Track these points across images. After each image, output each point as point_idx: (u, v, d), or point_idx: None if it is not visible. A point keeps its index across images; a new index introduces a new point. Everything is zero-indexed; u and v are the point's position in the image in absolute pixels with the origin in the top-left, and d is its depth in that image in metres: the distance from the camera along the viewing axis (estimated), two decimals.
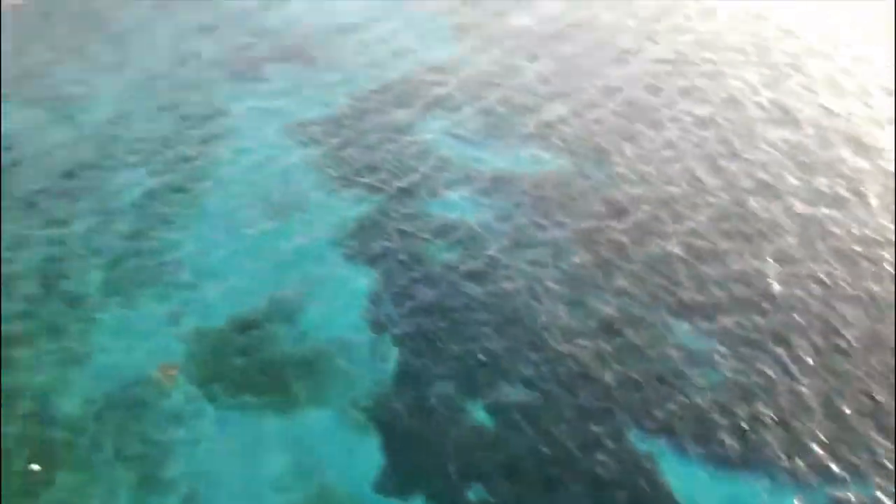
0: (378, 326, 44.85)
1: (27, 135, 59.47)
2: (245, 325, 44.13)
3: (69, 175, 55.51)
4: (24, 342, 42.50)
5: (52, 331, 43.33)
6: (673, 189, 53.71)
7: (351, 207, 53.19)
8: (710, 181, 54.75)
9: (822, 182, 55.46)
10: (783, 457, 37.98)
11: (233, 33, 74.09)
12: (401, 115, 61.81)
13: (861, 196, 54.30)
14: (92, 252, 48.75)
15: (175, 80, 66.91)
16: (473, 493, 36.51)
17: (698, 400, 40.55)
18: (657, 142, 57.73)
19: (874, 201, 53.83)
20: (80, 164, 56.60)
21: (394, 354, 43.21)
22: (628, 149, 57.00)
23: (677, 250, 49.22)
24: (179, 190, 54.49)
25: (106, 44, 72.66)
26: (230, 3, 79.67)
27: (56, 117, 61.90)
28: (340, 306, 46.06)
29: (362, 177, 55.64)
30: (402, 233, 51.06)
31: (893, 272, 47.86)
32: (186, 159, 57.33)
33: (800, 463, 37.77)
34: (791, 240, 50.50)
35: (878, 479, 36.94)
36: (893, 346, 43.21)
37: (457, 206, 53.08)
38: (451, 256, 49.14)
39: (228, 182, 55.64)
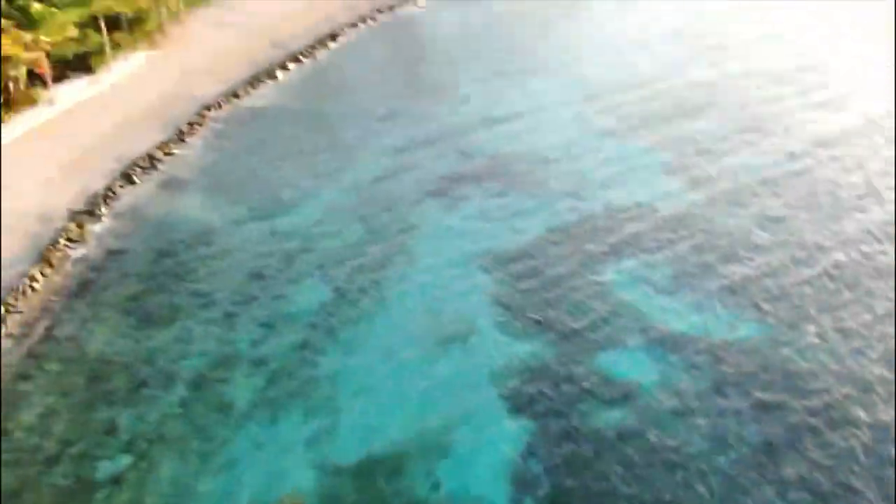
0: (520, 483, 41.98)
1: (226, 232, 62.41)
2: (380, 462, 42.62)
3: (254, 276, 57.34)
4: (167, 443, 43.32)
5: (197, 435, 43.93)
6: (875, 372, 47.33)
7: (517, 343, 51.09)
8: None
9: None
10: None
11: (444, 150, 75.01)
12: (589, 251, 59.29)
13: None
14: (254, 359, 49.57)
15: (379, 193, 68.27)
16: None
17: None
18: (864, 317, 51.40)
19: None
20: (266, 266, 58.41)
21: None
22: (829, 321, 51.16)
23: (870, 445, 42.95)
24: (352, 304, 54.71)
25: (326, 151, 75.72)
26: (448, 119, 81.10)
27: (257, 217, 64.68)
28: (484, 453, 43.67)
29: (537, 312, 53.48)
30: (566, 380, 48.13)
31: None
32: (367, 273, 57.66)
33: None
34: None
35: None
36: None
37: (628, 358, 49.59)
38: (611, 415, 45.58)
39: (401, 300, 55.33)
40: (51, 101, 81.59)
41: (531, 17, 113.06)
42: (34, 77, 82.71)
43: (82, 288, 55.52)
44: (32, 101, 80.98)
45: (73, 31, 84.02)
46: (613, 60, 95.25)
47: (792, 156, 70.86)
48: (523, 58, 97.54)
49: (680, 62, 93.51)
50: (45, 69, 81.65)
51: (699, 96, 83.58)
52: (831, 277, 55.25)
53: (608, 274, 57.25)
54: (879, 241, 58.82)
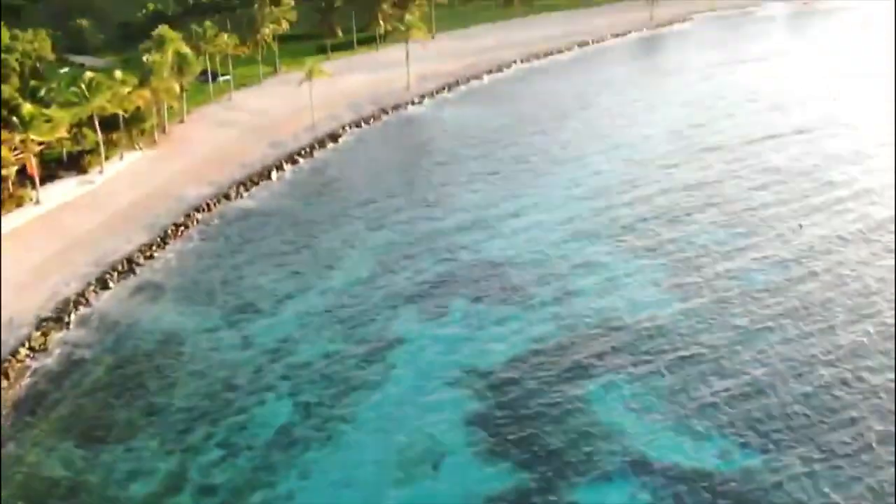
0: None
1: (194, 340, 60.16)
2: None
3: (217, 389, 54.72)
4: None
5: None
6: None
7: (489, 467, 47.76)
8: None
9: None
10: None
11: (430, 254, 72.95)
12: (570, 366, 56.24)
13: None
14: (205, 485, 46.54)
15: (359, 298, 65.96)
16: None
17: None
18: (854, 444, 47.67)
19: None
20: (231, 377, 55.86)
21: None
22: (816, 446, 47.49)
23: None
24: (317, 427, 51.55)
25: (310, 254, 73.91)
26: (437, 222, 79.37)
27: (230, 323, 62.51)
28: None
29: (511, 437, 49.98)
30: None
31: None
32: (337, 386, 54.88)
33: None
34: None
35: None
36: None
37: (606, 487, 46.03)
38: None
39: (370, 417, 52.23)
40: (37, 202, 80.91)
41: (531, 118, 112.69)
42: (25, 176, 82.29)
43: (36, 402, 53.27)
44: (19, 202, 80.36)
45: (64, 132, 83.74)
46: (609, 162, 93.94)
47: (788, 263, 68.11)
48: (520, 158, 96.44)
49: (678, 162, 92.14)
50: (34, 170, 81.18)
51: (696, 199, 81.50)
52: (821, 396, 51.84)
53: (590, 390, 54.15)
54: (875, 356, 55.41)
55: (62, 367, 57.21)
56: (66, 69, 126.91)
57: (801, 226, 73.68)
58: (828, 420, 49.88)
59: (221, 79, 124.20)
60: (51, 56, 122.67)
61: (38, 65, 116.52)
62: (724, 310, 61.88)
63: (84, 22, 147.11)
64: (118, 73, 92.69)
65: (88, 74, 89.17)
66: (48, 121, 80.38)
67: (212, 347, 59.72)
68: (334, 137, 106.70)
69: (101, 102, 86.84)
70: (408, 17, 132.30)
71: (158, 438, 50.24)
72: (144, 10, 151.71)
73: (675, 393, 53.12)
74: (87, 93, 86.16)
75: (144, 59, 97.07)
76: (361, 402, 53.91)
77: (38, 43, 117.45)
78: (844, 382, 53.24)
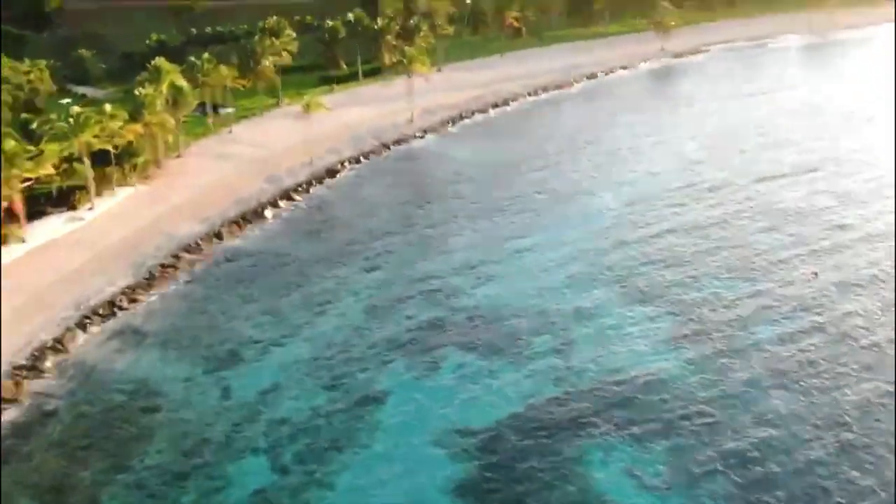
0: None
1: (172, 392, 57.15)
2: None
3: (191, 447, 51.68)
4: None
5: None
6: None
7: None
8: None
9: None
10: None
11: (423, 301, 69.58)
12: (568, 427, 52.57)
13: None
14: None
15: (347, 348, 62.70)
16: None
17: None
18: None
19: None
20: (208, 440, 52.52)
21: None
22: None
23: None
24: (296, 490, 48.02)
25: (298, 299, 70.72)
26: (432, 265, 76.35)
27: (210, 373, 59.52)
28: None
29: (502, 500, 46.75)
30: None
31: None
32: (319, 451, 51.21)
33: None
34: None
35: None
36: None
37: None
38: None
39: (351, 487, 48.53)
40: (22, 240, 78.41)
41: (536, 153, 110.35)
42: (11, 213, 79.88)
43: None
44: (4, 239, 77.84)
45: (51, 168, 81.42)
46: (615, 200, 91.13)
47: (800, 313, 64.44)
48: (524, 196, 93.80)
49: (685, 201, 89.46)
50: (19, 207, 78.78)
51: (703, 242, 78.26)
52: (834, 463, 48.14)
53: (587, 453, 50.68)
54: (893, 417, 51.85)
55: (31, 419, 54.40)
56: (67, 100, 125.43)
57: (815, 274, 69.98)
58: (843, 492, 46.29)
59: (223, 111, 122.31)
60: (49, 87, 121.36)
61: (34, 97, 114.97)
62: (731, 364, 58.28)
63: (86, 52, 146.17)
64: (108, 107, 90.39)
65: (76, 109, 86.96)
66: (32, 157, 77.98)
67: (190, 400, 56.73)
68: (332, 173, 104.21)
69: (89, 137, 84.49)
70: (409, 49, 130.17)
71: (124, 501, 47.18)
72: (148, 41, 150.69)
73: (677, 456, 49.62)
74: (74, 127, 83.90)
75: (137, 92, 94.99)
76: (344, 462, 50.68)
77: (34, 74, 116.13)
78: (861, 447, 49.62)
